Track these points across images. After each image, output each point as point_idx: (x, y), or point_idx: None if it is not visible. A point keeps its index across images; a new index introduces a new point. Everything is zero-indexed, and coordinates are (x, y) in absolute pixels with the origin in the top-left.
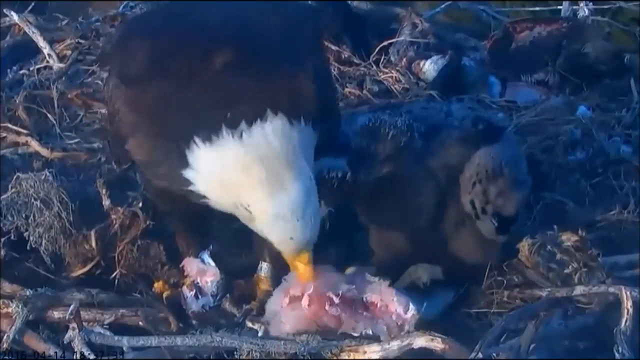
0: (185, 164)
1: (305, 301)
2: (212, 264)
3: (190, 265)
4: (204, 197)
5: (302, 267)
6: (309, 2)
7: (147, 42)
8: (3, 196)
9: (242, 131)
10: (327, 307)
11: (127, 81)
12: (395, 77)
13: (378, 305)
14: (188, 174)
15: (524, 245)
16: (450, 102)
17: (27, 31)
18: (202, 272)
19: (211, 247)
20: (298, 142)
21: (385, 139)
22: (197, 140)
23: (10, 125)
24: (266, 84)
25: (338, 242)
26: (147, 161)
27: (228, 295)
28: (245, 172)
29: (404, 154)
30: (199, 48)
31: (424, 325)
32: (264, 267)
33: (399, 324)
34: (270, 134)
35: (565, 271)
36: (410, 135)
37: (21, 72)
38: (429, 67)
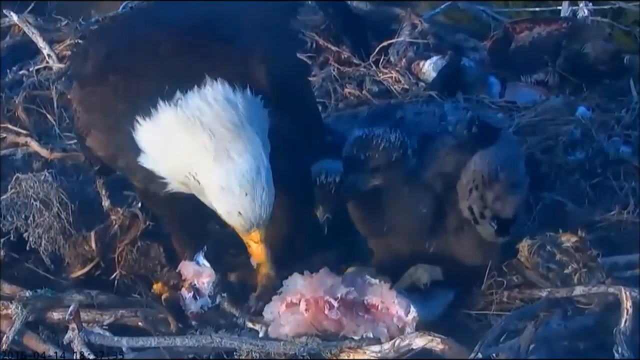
0: (135, 148)
1: (302, 306)
2: (207, 265)
3: (187, 268)
4: (163, 179)
5: (253, 246)
6: (308, 2)
7: (102, 45)
8: (3, 197)
9: (179, 99)
10: (326, 311)
11: (81, 82)
12: (395, 77)
13: (379, 307)
14: (140, 157)
15: (524, 246)
16: (444, 103)
17: (26, 32)
18: (199, 274)
19: (205, 248)
20: (244, 110)
21: (376, 150)
22: (138, 119)
23: (10, 126)
24: (209, 62)
25: (337, 242)
26: (106, 156)
27: (226, 295)
28: (187, 135)
29: (394, 168)
30: (149, 42)
31: (424, 326)
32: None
33: (400, 326)
34: (210, 96)
35: (565, 271)
36: (402, 152)
37: (21, 72)
38: (429, 68)
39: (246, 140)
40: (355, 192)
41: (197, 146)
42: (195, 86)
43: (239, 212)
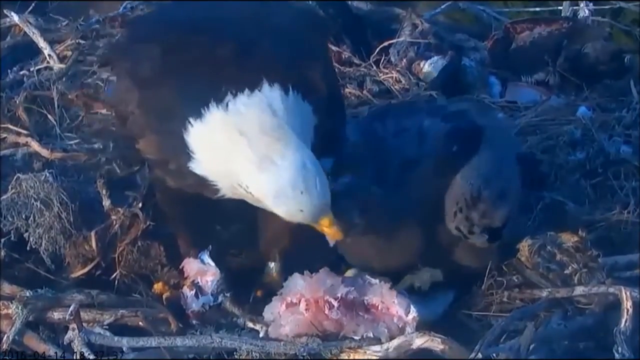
0: (187, 152)
1: (302, 306)
2: (212, 263)
3: (190, 265)
4: (215, 185)
5: (327, 230)
6: (310, 1)
7: (155, 44)
8: (3, 197)
9: (228, 102)
10: (326, 311)
11: (139, 84)
12: (396, 77)
13: (379, 307)
14: (191, 162)
15: (524, 246)
16: (424, 117)
17: (27, 32)
18: (202, 272)
19: (210, 247)
20: (289, 114)
21: (361, 202)
22: (191, 120)
23: (10, 126)
24: (264, 67)
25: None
26: (157, 159)
27: (228, 295)
28: (231, 144)
29: (380, 211)
30: (204, 44)
31: (424, 326)
32: (274, 267)
33: (400, 326)
34: (256, 101)
35: (565, 272)
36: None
37: (21, 72)
38: (429, 68)
39: (284, 139)
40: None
41: (240, 154)
42: (247, 90)
43: (301, 210)
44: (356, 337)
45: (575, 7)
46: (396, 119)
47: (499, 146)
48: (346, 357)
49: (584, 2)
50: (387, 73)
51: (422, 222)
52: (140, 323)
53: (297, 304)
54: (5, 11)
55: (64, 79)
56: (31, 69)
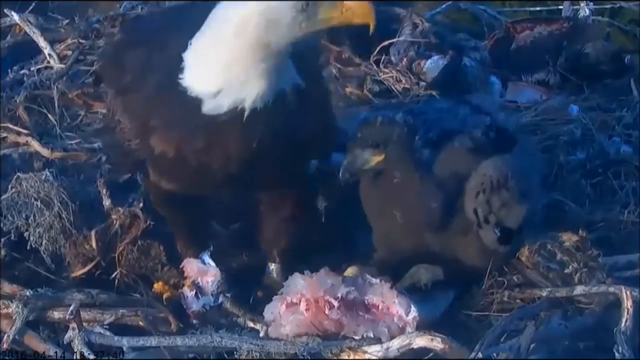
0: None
1: (302, 306)
2: (213, 264)
3: (191, 266)
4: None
5: (355, 5)
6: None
7: (137, 58)
8: (3, 196)
9: None
10: (327, 311)
11: (121, 91)
12: (396, 77)
13: (379, 307)
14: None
15: (524, 246)
16: (464, 104)
17: (27, 31)
18: (203, 272)
19: (211, 248)
20: None
21: (375, 126)
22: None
23: (10, 126)
24: None
25: (339, 241)
26: (162, 152)
27: (229, 295)
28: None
29: (397, 148)
30: None
31: (424, 326)
32: (274, 269)
33: (400, 326)
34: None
35: (566, 271)
36: (408, 133)
37: (22, 72)
38: (430, 67)
39: None
40: (354, 171)
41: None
42: None
43: None
44: (356, 337)
45: (575, 7)
46: (437, 102)
47: (532, 158)
48: (346, 357)
49: (585, 2)
50: (387, 72)
51: (445, 192)
52: (141, 322)
53: (298, 304)
54: (5, 11)
55: (64, 79)
56: (31, 69)
